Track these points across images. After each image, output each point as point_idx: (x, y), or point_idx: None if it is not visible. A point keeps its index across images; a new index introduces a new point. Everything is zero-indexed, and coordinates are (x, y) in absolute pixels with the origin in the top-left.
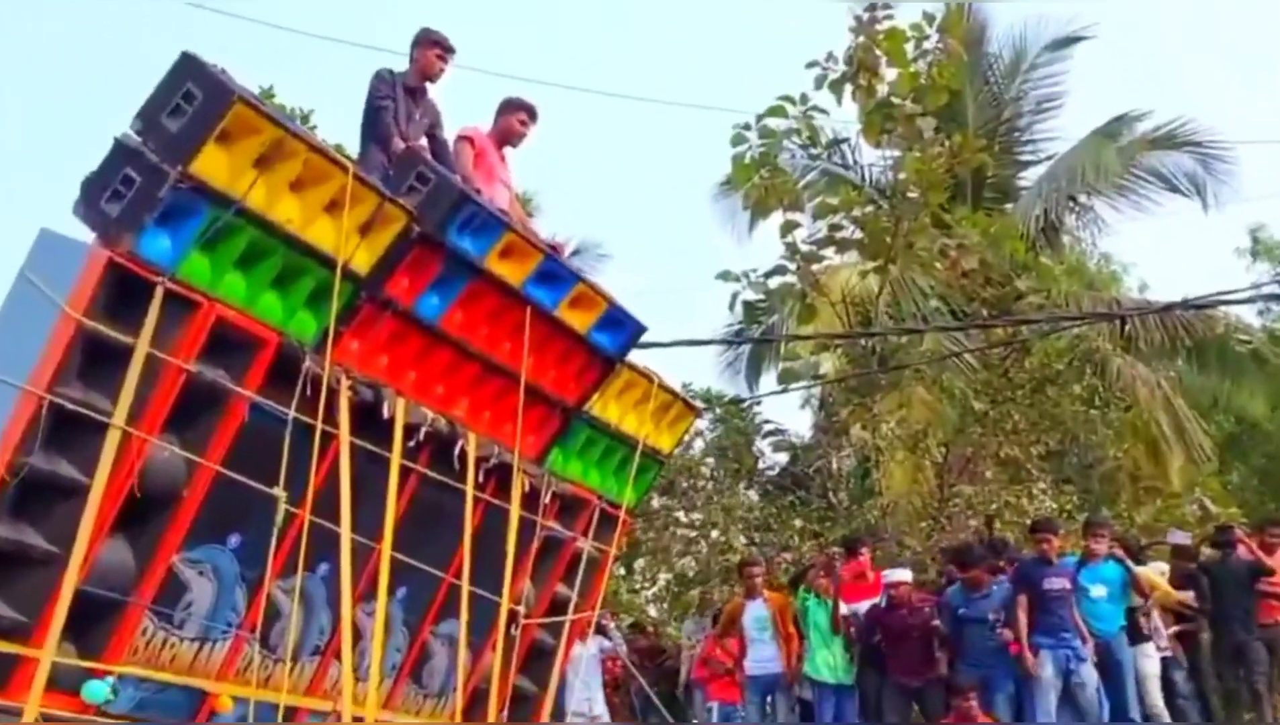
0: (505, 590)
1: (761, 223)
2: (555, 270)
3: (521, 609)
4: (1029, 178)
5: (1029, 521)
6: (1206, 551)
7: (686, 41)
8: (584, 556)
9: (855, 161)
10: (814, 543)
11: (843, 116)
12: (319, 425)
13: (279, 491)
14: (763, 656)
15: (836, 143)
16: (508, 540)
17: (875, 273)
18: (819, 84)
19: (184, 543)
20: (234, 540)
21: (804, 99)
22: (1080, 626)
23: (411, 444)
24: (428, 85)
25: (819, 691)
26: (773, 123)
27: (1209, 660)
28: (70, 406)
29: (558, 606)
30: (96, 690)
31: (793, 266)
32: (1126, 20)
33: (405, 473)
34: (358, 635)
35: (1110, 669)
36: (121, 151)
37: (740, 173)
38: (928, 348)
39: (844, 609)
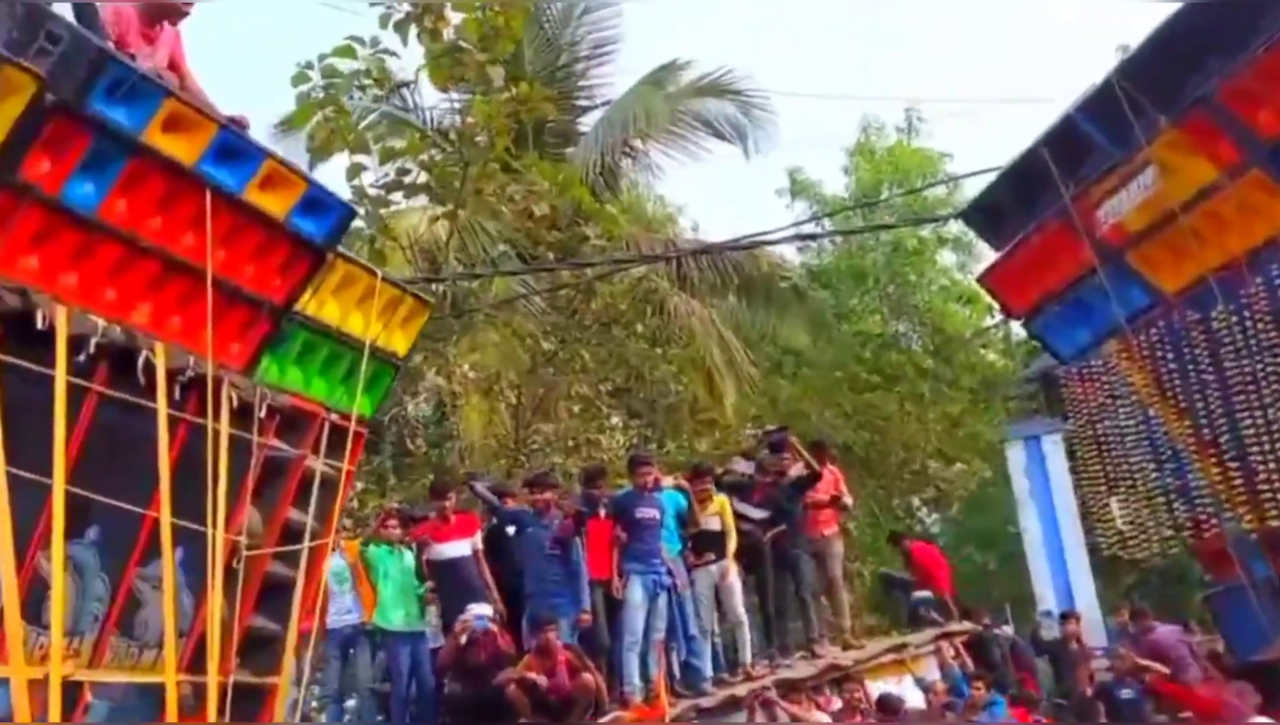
0: (217, 519)
1: (322, 166)
2: (237, 145)
3: (243, 540)
4: (587, 123)
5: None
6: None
7: None
8: (317, 476)
9: (416, 105)
10: (380, 495)
11: (406, 60)
12: None
13: None
14: (341, 608)
15: (400, 86)
16: (219, 464)
17: (444, 218)
18: (384, 23)
19: None
20: None
21: (374, 41)
22: (665, 553)
23: (81, 358)
24: None
25: (393, 640)
26: (339, 64)
27: (770, 572)
28: None
29: (292, 534)
30: None
31: (361, 211)
32: None
33: (78, 393)
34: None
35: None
36: None
37: (302, 113)
38: (498, 292)
39: (425, 554)
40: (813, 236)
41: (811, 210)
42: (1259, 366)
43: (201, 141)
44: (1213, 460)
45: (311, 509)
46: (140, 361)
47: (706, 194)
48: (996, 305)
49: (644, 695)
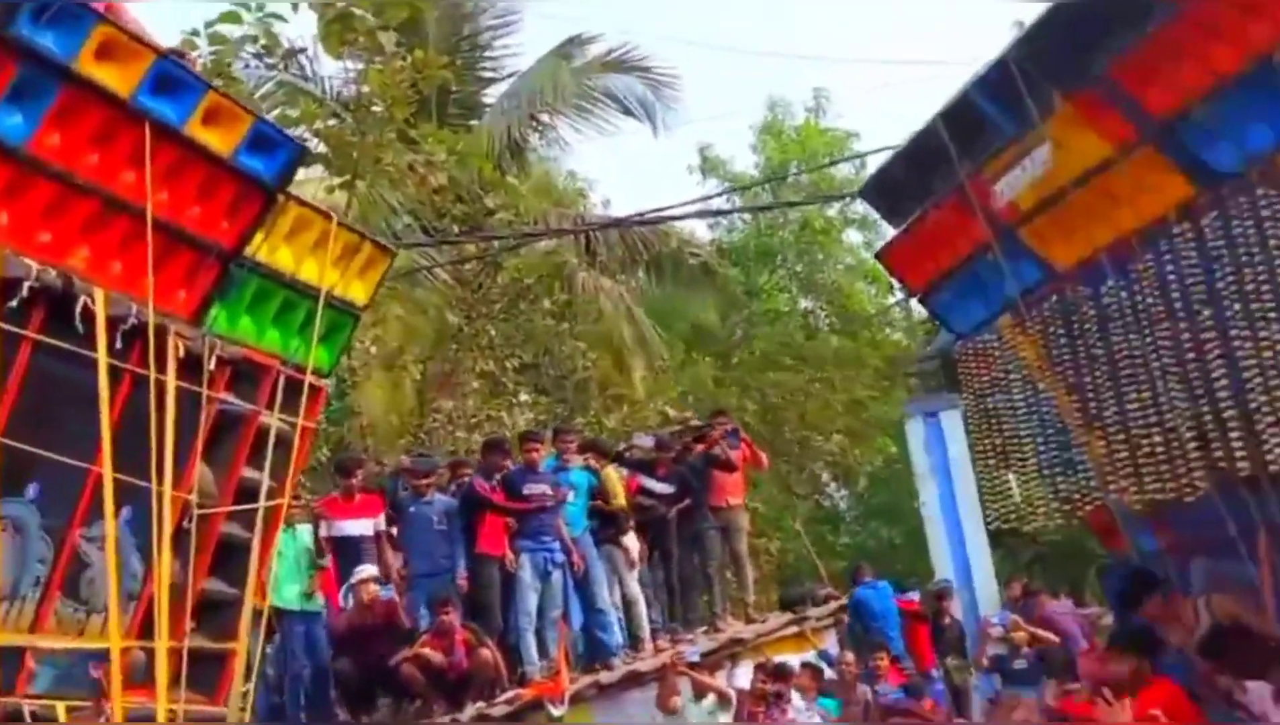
0: (164, 476)
1: None
2: (176, 76)
3: (194, 498)
4: (492, 95)
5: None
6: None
7: None
8: (272, 432)
9: (315, 74)
10: None
11: (304, 27)
12: None
13: None
14: None
15: (294, 53)
16: (165, 418)
17: (342, 188)
18: None
19: None
20: None
21: (260, 5)
22: (561, 531)
23: (14, 304)
24: None
25: (287, 619)
26: (225, 30)
27: (674, 547)
28: None
29: (247, 493)
30: None
31: None
32: None
33: (12, 341)
34: None
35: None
36: None
37: None
38: (400, 265)
39: (325, 530)
40: (720, 213)
41: (721, 189)
42: (1146, 342)
43: (137, 71)
44: (1098, 434)
45: (267, 467)
46: (78, 308)
47: (619, 171)
48: (897, 283)
49: (543, 672)
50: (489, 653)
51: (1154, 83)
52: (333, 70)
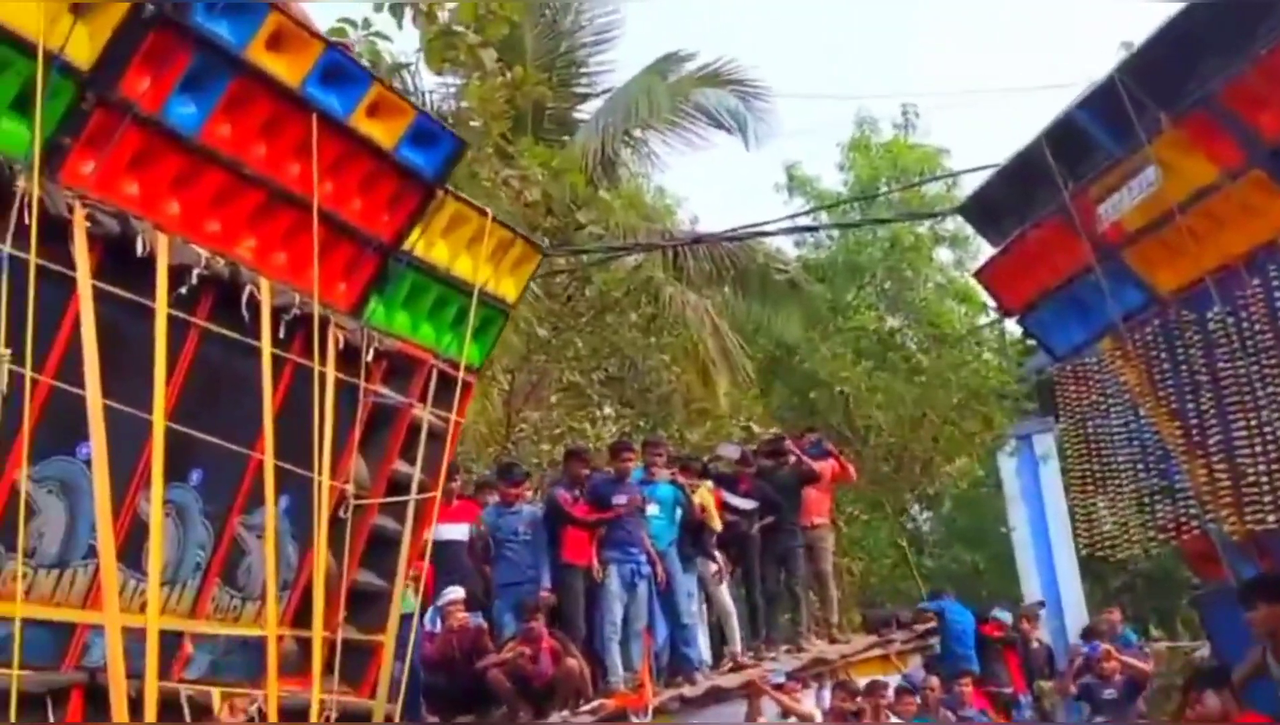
0: (323, 466)
1: None
2: (344, 66)
3: (350, 489)
4: (586, 110)
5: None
6: (762, 461)
7: None
8: (424, 426)
9: (416, 88)
10: None
11: (404, 42)
12: (33, 261)
13: None
14: None
15: (398, 68)
16: (325, 408)
17: None
18: (378, 7)
19: None
20: None
21: (366, 23)
22: (646, 542)
23: (183, 291)
24: None
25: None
26: None
27: (757, 564)
28: None
29: (399, 486)
30: None
31: None
32: None
33: (180, 327)
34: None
35: (665, 581)
36: None
37: None
38: None
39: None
40: (808, 229)
41: (808, 206)
42: (1254, 368)
43: (306, 61)
44: (1200, 462)
45: (419, 461)
46: (244, 297)
47: (706, 188)
48: (992, 302)
49: (627, 684)
50: (575, 662)
51: (1265, 107)
52: (432, 84)
